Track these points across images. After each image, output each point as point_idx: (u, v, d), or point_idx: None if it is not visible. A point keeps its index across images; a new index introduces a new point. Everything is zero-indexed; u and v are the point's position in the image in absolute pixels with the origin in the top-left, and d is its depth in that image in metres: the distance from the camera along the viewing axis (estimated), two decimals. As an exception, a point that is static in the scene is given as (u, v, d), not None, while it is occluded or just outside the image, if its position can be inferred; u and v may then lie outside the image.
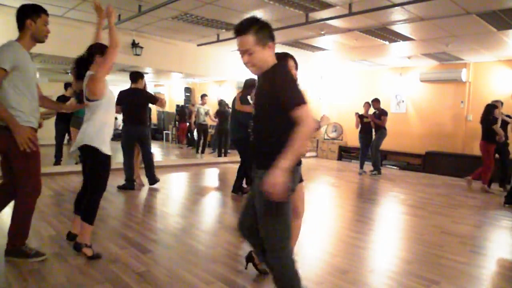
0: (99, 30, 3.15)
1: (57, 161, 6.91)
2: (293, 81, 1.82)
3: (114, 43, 2.74)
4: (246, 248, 3.28)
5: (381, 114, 7.97)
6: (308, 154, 10.60)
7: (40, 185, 2.78)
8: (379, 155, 8.20)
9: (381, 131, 8.02)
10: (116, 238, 3.41)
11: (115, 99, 3.16)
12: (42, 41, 2.70)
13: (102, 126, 2.86)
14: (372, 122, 8.03)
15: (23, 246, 2.79)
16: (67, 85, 7.02)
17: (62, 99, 6.46)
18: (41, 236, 3.35)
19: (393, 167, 9.62)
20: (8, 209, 2.85)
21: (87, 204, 2.90)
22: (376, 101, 8.12)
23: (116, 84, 12.48)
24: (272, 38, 1.86)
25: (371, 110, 8.19)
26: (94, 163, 2.88)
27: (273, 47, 1.88)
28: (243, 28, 1.80)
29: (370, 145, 8.12)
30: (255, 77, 2.15)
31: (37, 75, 2.98)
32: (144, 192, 5.49)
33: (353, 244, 3.56)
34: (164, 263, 2.90)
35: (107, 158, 2.89)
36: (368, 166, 8.31)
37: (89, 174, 2.95)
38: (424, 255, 3.33)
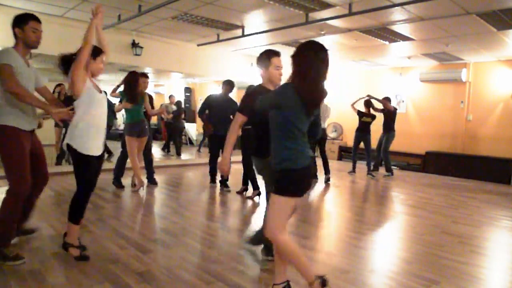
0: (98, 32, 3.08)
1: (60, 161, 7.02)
2: None
3: (85, 40, 2.72)
4: (245, 248, 3.29)
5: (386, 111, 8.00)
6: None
7: (20, 186, 2.74)
8: (389, 157, 8.16)
9: (391, 133, 8.01)
10: (116, 238, 3.41)
11: (101, 100, 2.95)
12: (34, 47, 2.83)
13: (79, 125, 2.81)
14: (383, 123, 8.02)
15: (3, 248, 2.73)
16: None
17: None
18: (41, 236, 3.36)
19: (393, 167, 9.60)
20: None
21: (70, 203, 2.86)
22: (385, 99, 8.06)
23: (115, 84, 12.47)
24: None
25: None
26: (73, 161, 2.86)
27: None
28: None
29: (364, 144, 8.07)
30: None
31: (45, 79, 3.08)
32: (144, 192, 5.49)
33: (353, 244, 3.56)
34: (164, 263, 2.90)
35: (84, 157, 2.80)
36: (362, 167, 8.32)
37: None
38: (424, 255, 3.33)
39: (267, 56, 2.73)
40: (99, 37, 3.02)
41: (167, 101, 15.08)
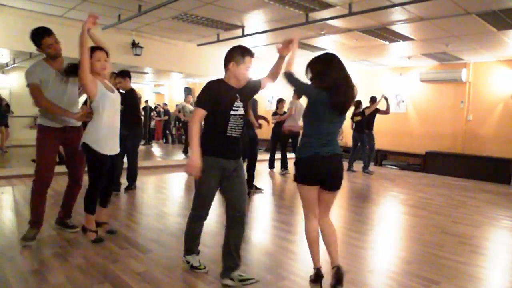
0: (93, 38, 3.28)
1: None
2: None
3: (79, 44, 2.91)
4: (245, 248, 3.29)
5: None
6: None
7: (40, 175, 3.19)
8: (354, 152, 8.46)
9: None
10: (116, 238, 3.41)
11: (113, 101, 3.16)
12: (58, 56, 3.16)
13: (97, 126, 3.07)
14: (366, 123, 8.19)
15: (35, 228, 3.18)
16: None
17: None
18: (41, 236, 3.35)
19: (393, 167, 9.62)
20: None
21: (84, 196, 3.21)
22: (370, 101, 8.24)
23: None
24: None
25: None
26: (87, 160, 3.15)
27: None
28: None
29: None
30: None
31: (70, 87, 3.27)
32: (144, 193, 5.49)
33: (353, 244, 3.56)
34: (164, 263, 2.90)
35: (99, 156, 3.07)
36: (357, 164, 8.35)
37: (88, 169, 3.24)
38: (424, 255, 3.33)
39: (242, 54, 2.49)
40: (95, 41, 3.20)
41: (168, 101, 15.15)
